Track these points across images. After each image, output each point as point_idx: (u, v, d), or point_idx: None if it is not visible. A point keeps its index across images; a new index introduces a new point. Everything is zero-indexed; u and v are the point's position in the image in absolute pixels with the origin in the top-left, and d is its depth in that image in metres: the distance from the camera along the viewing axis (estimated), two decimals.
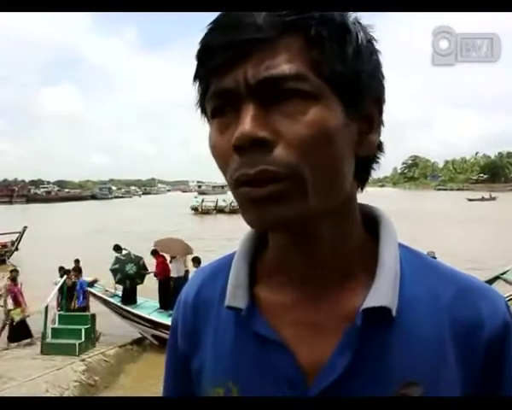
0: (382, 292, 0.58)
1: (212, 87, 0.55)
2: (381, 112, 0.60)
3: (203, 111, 0.61)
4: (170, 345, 0.77)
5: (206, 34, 0.56)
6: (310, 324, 0.61)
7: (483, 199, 67.08)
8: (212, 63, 0.54)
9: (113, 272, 10.48)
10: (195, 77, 0.59)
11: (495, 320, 0.60)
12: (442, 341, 0.59)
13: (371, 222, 0.67)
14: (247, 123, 0.51)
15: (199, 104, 0.61)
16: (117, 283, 10.46)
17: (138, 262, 10.63)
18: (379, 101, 0.60)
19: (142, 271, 10.64)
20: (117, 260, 10.60)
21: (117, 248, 11.26)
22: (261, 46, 0.52)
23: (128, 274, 10.31)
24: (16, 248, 20.65)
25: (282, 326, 0.62)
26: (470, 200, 64.40)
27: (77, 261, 11.65)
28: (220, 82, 0.54)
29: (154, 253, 11.26)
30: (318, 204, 0.54)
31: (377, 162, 0.64)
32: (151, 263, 11.29)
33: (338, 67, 0.53)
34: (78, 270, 10.92)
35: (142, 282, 10.57)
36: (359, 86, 0.56)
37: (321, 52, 0.53)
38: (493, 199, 67.82)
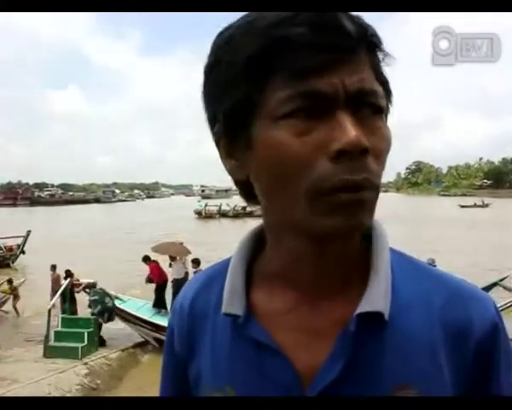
0: (376, 298, 0.59)
1: (295, 86, 0.52)
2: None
3: (240, 112, 0.56)
4: (166, 351, 0.76)
5: (276, 27, 0.53)
6: (306, 329, 0.62)
7: (475, 206, 65.66)
8: (299, 61, 0.52)
9: (94, 302, 10.19)
10: (250, 71, 0.54)
11: (484, 322, 0.61)
12: (434, 344, 0.60)
13: None
14: (351, 130, 0.51)
15: (241, 103, 0.56)
16: (96, 314, 10.10)
17: (112, 299, 10.36)
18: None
19: (115, 307, 10.40)
20: (94, 293, 10.39)
21: (93, 286, 10.99)
22: (350, 55, 0.53)
23: (107, 307, 10.11)
24: (22, 252, 20.62)
25: (279, 332, 0.62)
26: (462, 206, 62.79)
27: (53, 267, 11.73)
28: (309, 83, 0.52)
29: (146, 259, 11.45)
30: None
31: None
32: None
33: (387, 82, 0.58)
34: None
35: (113, 319, 10.30)
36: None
37: (380, 67, 0.58)
38: (486, 206, 66.20)
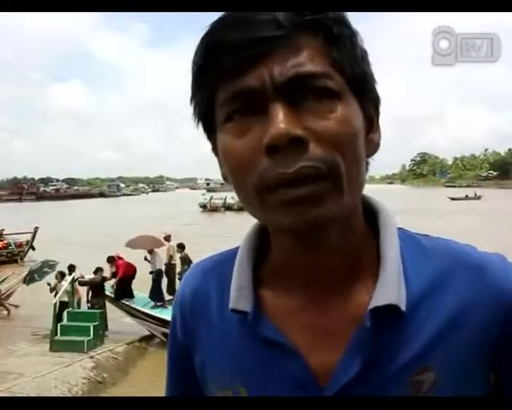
0: (388, 290, 0.57)
1: (229, 88, 0.53)
2: (378, 113, 0.61)
3: (204, 120, 0.59)
4: (170, 342, 0.76)
5: (212, 32, 0.54)
6: (318, 327, 0.60)
7: (467, 198, 62.87)
8: (230, 62, 0.51)
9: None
10: (199, 81, 0.56)
11: (507, 292, 0.57)
12: (453, 325, 0.57)
13: (370, 213, 0.65)
14: (280, 122, 0.50)
15: (201, 112, 0.59)
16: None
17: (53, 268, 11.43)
18: (377, 102, 0.61)
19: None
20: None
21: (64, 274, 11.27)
22: (283, 44, 0.51)
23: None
24: (32, 248, 20.61)
25: (291, 330, 0.60)
26: (453, 199, 59.98)
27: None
28: (240, 82, 0.52)
29: (112, 260, 11.41)
30: (350, 202, 0.54)
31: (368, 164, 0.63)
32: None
33: (355, 68, 0.54)
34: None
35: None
36: (368, 87, 0.57)
37: (339, 52, 0.53)
38: (478, 198, 62.87)
